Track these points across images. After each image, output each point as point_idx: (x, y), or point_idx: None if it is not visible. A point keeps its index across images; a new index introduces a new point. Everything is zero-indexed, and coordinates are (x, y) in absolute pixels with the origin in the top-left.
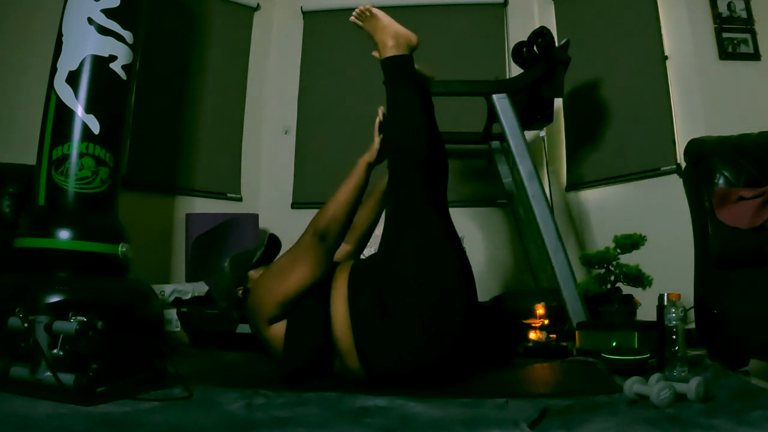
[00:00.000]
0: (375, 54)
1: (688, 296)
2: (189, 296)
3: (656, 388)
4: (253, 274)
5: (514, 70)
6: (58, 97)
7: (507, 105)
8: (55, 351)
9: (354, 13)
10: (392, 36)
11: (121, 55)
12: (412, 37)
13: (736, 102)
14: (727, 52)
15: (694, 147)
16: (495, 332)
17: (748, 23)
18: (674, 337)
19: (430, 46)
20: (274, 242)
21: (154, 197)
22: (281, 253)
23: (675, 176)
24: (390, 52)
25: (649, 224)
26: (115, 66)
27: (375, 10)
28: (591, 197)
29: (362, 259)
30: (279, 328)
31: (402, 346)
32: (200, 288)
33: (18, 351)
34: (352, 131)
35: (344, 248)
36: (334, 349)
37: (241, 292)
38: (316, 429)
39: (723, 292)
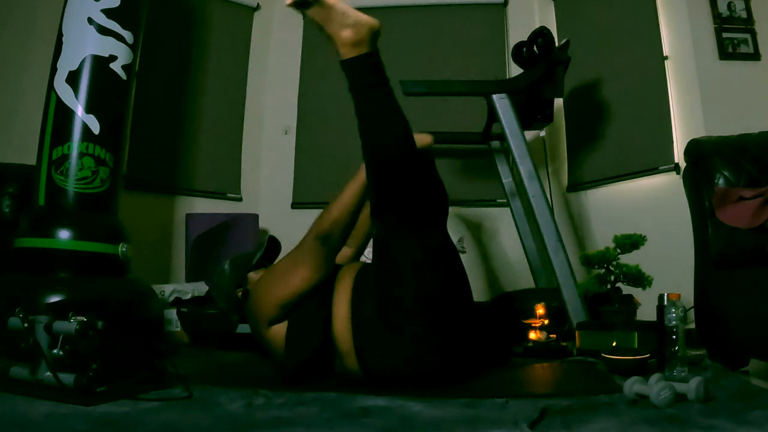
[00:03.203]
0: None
1: (688, 296)
2: (189, 296)
3: (656, 388)
4: (253, 275)
5: (514, 70)
6: (58, 97)
7: (507, 105)
8: (55, 351)
9: None
10: (351, 25)
11: (121, 55)
12: (374, 23)
13: (736, 102)
14: (727, 52)
15: (694, 147)
16: (494, 332)
17: (748, 23)
18: (674, 337)
19: (430, 46)
20: (273, 244)
21: (154, 197)
22: (281, 254)
23: (675, 176)
24: (351, 51)
25: (649, 224)
26: (115, 66)
27: None
28: (591, 197)
29: (368, 263)
30: (279, 329)
31: (401, 351)
32: (200, 288)
33: (18, 351)
34: (352, 131)
35: (345, 252)
36: (335, 350)
37: (240, 293)
38: (316, 429)
39: (723, 292)
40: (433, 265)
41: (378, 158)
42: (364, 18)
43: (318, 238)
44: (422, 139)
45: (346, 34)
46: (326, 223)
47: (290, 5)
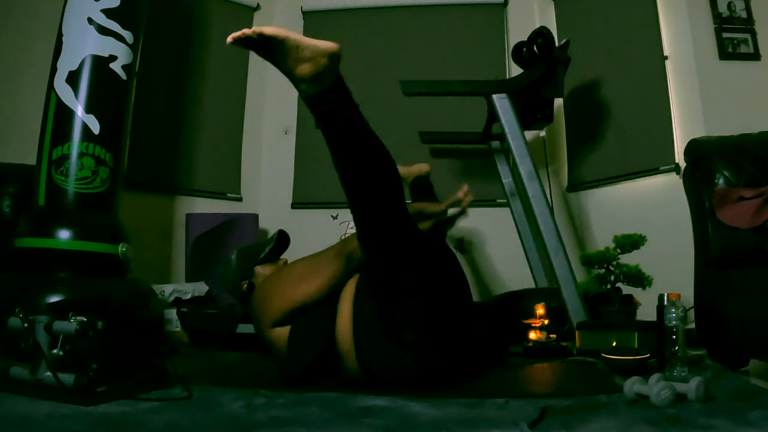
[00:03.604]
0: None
1: (688, 296)
2: (189, 296)
3: (656, 388)
4: (260, 269)
5: (514, 70)
6: (58, 97)
7: (507, 105)
8: (55, 351)
9: (235, 36)
10: (308, 58)
11: (121, 55)
12: (332, 48)
13: (736, 102)
14: (727, 52)
15: (694, 147)
16: (495, 333)
17: (748, 23)
18: (674, 337)
19: (430, 46)
20: (283, 239)
21: (154, 197)
22: (285, 254)
23: (675, 176)
24: (311, 87)
25: (649, 224)
26: (115, 66)
27: (271, 30)
28: (591, 197)
29: None
30: (282, 331)
31: (401, 353)
32: (200, 288)
33: (18, 351)
34: None
35: None
36: (337, 351)
37: (246, 286)
38: (316, 429)
39: (723, 292)
40: (429, 273)
41: (356, 198)
42: (321, 46)
43: (342, 253)
44: (420, 167)
45: (304, 68)
46: (356, 244)
47: (234, 43)
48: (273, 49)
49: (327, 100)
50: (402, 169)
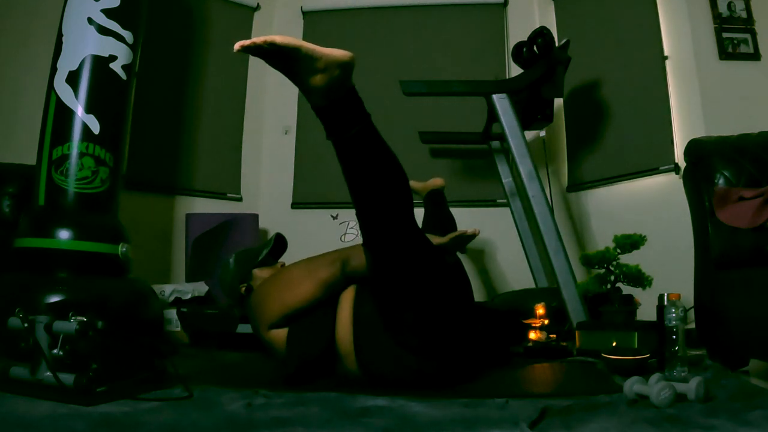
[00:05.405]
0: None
1: (688, 296)
2: (189, 296)
3: (656, 388)
4: (258, 272)
5: (514, 70)
6: (58, 97)
7: (507, 105)
8: (55, 351)
9: (244, 44)
10: (321, 69)
11: (121, 55)
12: (346, 57)
13: (736, 102)
14: (727, 52)
15: (694, 147)
16: (495, 333)
17: (748, 23)
18: (674, 337)
19: (430, 46)
20: (280, 242)
21: (154, 197)
22: (283, 257)
23: (675, 176)
24: (323, 98)
25: (649, 224)
26: (115, 66)
27: (282, 39)
28: (591, 197)
29: None
30: (281, 331)
31: (401, 354)
32: (200, 288)
33: (18, 351)
34: None
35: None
36: (336, 352)
37: (244, 289)
38: (316, 429)
39: (723, 292)
40: (435, 282)
41: (365, 207)
42: (335, 55)
43: (338, 260)
44: (434, 182)
45: (317, 80)
46: (357, 259)
47: (242, 51)
48: (284, 59)
49: (339, 112)
50: (416, 184)
